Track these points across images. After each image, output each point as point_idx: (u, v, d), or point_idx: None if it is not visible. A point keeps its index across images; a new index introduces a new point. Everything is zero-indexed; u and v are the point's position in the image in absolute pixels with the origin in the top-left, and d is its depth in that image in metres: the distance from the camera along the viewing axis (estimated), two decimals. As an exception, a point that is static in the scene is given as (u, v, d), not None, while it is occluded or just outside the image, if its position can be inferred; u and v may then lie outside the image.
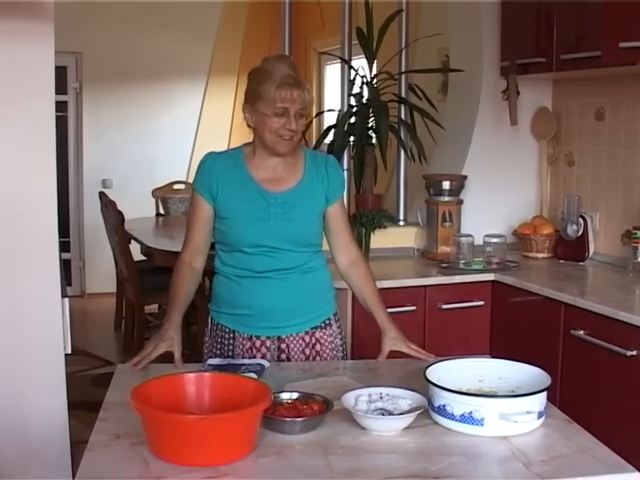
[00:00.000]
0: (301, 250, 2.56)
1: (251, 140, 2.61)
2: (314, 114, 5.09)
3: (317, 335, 2.63)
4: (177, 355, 2.46)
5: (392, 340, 2.56)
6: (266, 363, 2.41)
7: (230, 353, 2.60)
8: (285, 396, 2.03)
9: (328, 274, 2.69)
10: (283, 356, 2.59)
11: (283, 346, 2.59)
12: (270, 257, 2.53)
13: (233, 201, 2.54)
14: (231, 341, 2.61)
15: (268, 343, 2.59)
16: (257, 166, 2.57)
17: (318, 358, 2.62)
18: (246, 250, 2.53)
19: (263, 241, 2.51)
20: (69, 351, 2.56)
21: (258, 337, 2.59)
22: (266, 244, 2.52)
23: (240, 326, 2.60)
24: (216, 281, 2.67)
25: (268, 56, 2.57)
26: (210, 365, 2.39)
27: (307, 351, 2.62)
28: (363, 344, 3.15)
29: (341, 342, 2.70)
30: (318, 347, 2.63)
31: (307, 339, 2.62)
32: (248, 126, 2.57)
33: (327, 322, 2.66)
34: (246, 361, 2.44)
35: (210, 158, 2.61)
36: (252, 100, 2.50)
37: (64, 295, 2.53)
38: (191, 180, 8.26)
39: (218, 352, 2.63)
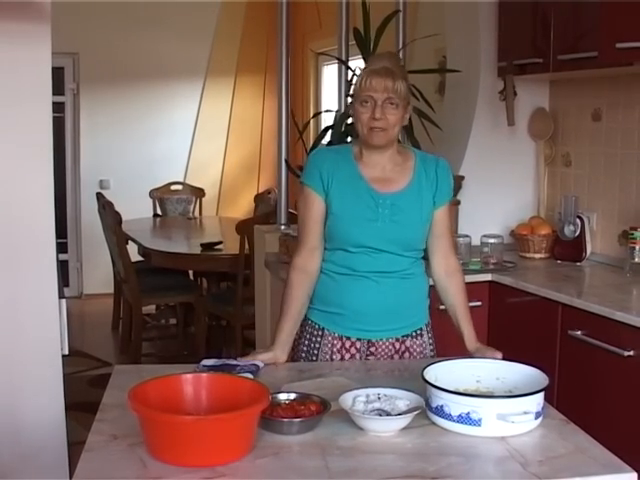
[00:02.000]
0: (405, 254, 2.51)
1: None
2: (311, 113, 5.07)
3: (407, 343, 2.58)
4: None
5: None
6: (260, 363, 2.40)
7: (316, 351, 2.56)
8: (282, 397, 2.03)
9: (426, 282, 2.63)
10: (371, 359, 2.55)
11: (372, 349, 2.55)
12: (372, 258, 2.48)
13: (342, 198, 2.49)
14: (319, 339, 2.57)
15: (358, 345, 2.55)
16: (366, 164, 2.52)
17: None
18: (349, 249, 2.49)
19: (368, 242, 2.47)
20: (66, 352, 2.56)
21: (348, 338, 2.55)
22: (371, 245, 2.47)
23: (330, 324, 2.55)
24: None
25: (378, 53, 2.53)
26: (205, 366, 2.38)
27: (396, 357, 2.56)
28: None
29: (431, 354, 2.64)
30: (407, 355, 2.58)
31: (397, 346, 2.57)
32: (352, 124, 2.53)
33: (419, 331, 2.61)
34: (241, 362, 2.43)
35: (321, 152, 2.60)
36: (353, 97, 2.49)
37: (61, 296, 2.53)
38: (189, 181, 8.24)
39: (304, 349, 2.59)
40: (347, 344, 2.55)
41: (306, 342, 2.60)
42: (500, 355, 2.38)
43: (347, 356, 2.55)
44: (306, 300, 2.57)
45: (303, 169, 2.59)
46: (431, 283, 2.69)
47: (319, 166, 2.53)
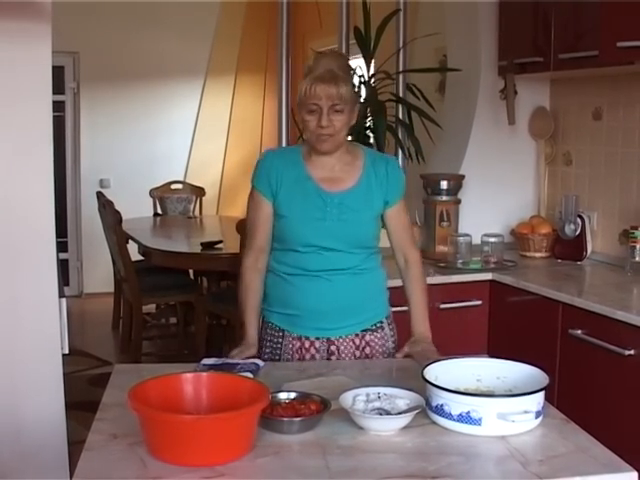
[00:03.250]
0: (355, 252, 2.54)
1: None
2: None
3: (367, 338, 2.61)
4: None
5: (412, 344, 2.56)
6: (260, 362, 2.41)
7: (279, 353, 2.59)
8: (283, 396, 2.03)
9: (382, 276, 2.66)
10: (333, 358, 2.57)
11: (333, 348, 2.57)
12: (323, 257, 2.51)
13: (291, 199, 2.52)
14: (280, 339, 2.60)
15: (317, 344, 2.57)
16: (315, 165, 2.55)
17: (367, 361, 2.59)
18: (300, 249, 2.51)
19: (317, 241, 2.50)
20: (66, 351, 2.56)
21: (307, 337, 2.57)
22: (320, 244, 2.50)
23: (290, 326, 2.58)
24: (268, 279, 2.63)
25: (319, 52, 2.54)
26: (205, 365, 2.38)
27: (357, 354, 2.59)
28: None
29: (393, 345, 2.67)
30: (368, 350, 2.60)
31: (357, 342, 2.59)
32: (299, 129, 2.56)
33: (379, 325, 2.64)
34: (241, 361, 2.43)
35: (269, 155, 2.62)
36: (297, 101, 2.49)
37: (61, 295, 2.53)
38: (189, 180, 8.23)
39: (267, 351, 2.62)
40: (306, 344, 2.58)
41: (268, 344, 2.63)
42: (434, 356, 2.41)
43: (307, 356, 2.57)
44: (262, 294, 2.63)
45: (253, 172, 2.61)
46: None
47: (267, 170, 2.56)
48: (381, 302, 2.67)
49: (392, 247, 2.69)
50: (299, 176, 2.54)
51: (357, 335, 2.59)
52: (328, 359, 2.56)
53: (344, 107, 2.44)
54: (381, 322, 2.65)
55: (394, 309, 2.73)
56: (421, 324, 2.63)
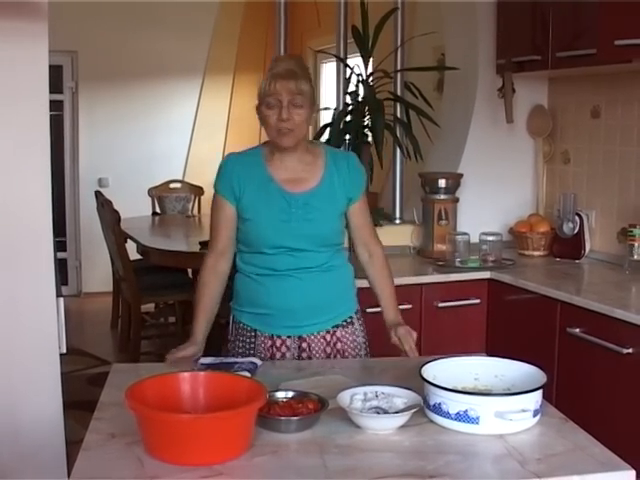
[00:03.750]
0: (322, 250, 2.55)
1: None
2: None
3: (338, 334, 2.62)
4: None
5: (403, 337, 2.56)
6: (258, 361, 2.41)
7: (252, 352, 2.59)
8: (280, 395, 2.03)
9: (350, 272, 2.68)
10: (304, 355, 2.58)
11: (304, 345, 2.58)
12: (291, 256, 2.52)
13: (255, 203, 2.53)
14: (252, 339, 2.60)
15: (289, 342, 2.58)
16: (277, 166, 2.56)
17: (339, 356, 2.61)
18: (267, 251, 2.52)
19: (284, 242, 2.51)
20: (64, 351, 2.55)
21: (279, 336, 2.58)
22: (287, 245, 2.51)
23: (261, 325, 2.59)
24: (237, 280, 2.65)
25: (278, 56, 2.56)
26: (202, 364, 2.38)
27: (328, 350, 2.60)
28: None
29: (364, 340, 2.69)
30: (339, 345, 2.62)
31: (328, 338, 2.61)
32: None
33: (349, 320, 2.65)
34: (239, 359, 2.43)
35: (230, 160, 2.61)
36: (258, 101, 2.51)
37: (59, 294, 2.52)
38: (187, 179, 8.22)
39: (240, 351, 2.62)
40: (278, 342, 2.59)
41: (240, 344, 2.64)
42: (414, 335, 2.50)
43: (278, 354, 2.58)
44: (218, 298, 2.63)
45: (216, 176, 2.61)
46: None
47: (229, 174, 2.57)
48: (350, 297, 2.69)
49: (354, 243, 2.71)
50: (262, 179, 2.55)
51: (328, 331, 2.61)
52: (299, 356, 2.58)
53: (304, 102, 2.48)
54: (351, 317, 2.66)
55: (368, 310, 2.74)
56: (396, 313, 2.65)
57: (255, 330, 2.61)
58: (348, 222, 2.65)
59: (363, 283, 2.76)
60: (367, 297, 2.74)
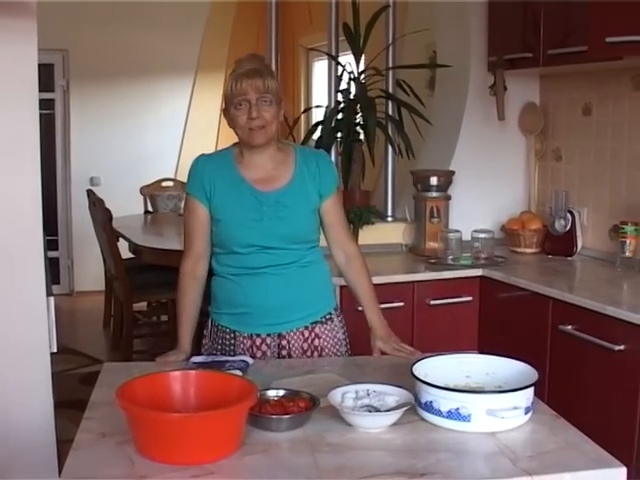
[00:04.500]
0: (296, 247, 2.54)
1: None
2: (302, 109, 5.08)
3: (317, 330, 2.61)
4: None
5: (379, 339, 2.58)
6: (250, 360, 2.40)
7: (232, 353, 2.57)
8: (271, 393, 2.03)
9: (326, 268, 2.67)
10: (284, 352, 2.57)
11: (284, 342, 2.57)
12: (266, 254, 2.51)
13: (226, 203, 2.52)
14: (232, 341, 2.59)
15: (268, 340, 2.57)
16: (247, 166, 2.55)
17: (316, 354, 2.60)
18: (241, 251, 2.51)
19: (256, 241, 2.50)
20: (54, 350, 2.55)
21: (258, 335, 2.57)
22: (260, 243, 2.50)
23: (240, 325, 2.58)
24: (214, 282, 2.63)
25: (240, 58, 2.56)
26: (194, 363, 2.38)
27: (305, 346, 2.59)
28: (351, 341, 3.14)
29: (344, 337, 2.68)
30: (317, 342, 2.61)
31: (307, 334, 2.60)
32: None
33: (328, 317, 2.64)
34: (230, 358, 2.43)
35: (201, 160, 2.61)
36: (224, 103, 2.51)
37: (49, 293, 2.52)
38: (179, 177, 8.21)
39: (219, 354, 2.61)
40: (257, 341, 2.57)
41: (219, 347, 2.62)
42: (417, 355, 2.42)
43: (258, 354, 2.56)
44: (199, 302, 2.63)
45: (187, 178, 2.61)
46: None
47: (200, 175, 2.57)
48: (328, 294, 2.69)
49: (329, 244, 2.69)
50: (232, 179, 2.54)
51: (307, 328, 2.60)
52: (279, 354, 2.57)
53: (272, 99, 2.47)
54: (330, 314, 2.65)
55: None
56: (378, 317, 2.64)
57: (234, 331, 2.59)
58: (322, 221, 2.63)
59: (340, 281, 2.75)
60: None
